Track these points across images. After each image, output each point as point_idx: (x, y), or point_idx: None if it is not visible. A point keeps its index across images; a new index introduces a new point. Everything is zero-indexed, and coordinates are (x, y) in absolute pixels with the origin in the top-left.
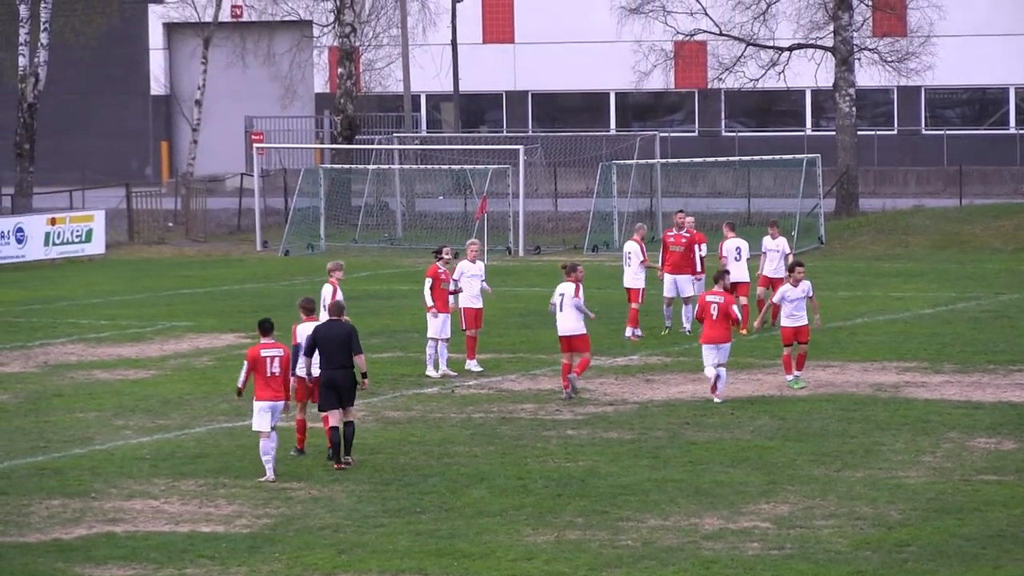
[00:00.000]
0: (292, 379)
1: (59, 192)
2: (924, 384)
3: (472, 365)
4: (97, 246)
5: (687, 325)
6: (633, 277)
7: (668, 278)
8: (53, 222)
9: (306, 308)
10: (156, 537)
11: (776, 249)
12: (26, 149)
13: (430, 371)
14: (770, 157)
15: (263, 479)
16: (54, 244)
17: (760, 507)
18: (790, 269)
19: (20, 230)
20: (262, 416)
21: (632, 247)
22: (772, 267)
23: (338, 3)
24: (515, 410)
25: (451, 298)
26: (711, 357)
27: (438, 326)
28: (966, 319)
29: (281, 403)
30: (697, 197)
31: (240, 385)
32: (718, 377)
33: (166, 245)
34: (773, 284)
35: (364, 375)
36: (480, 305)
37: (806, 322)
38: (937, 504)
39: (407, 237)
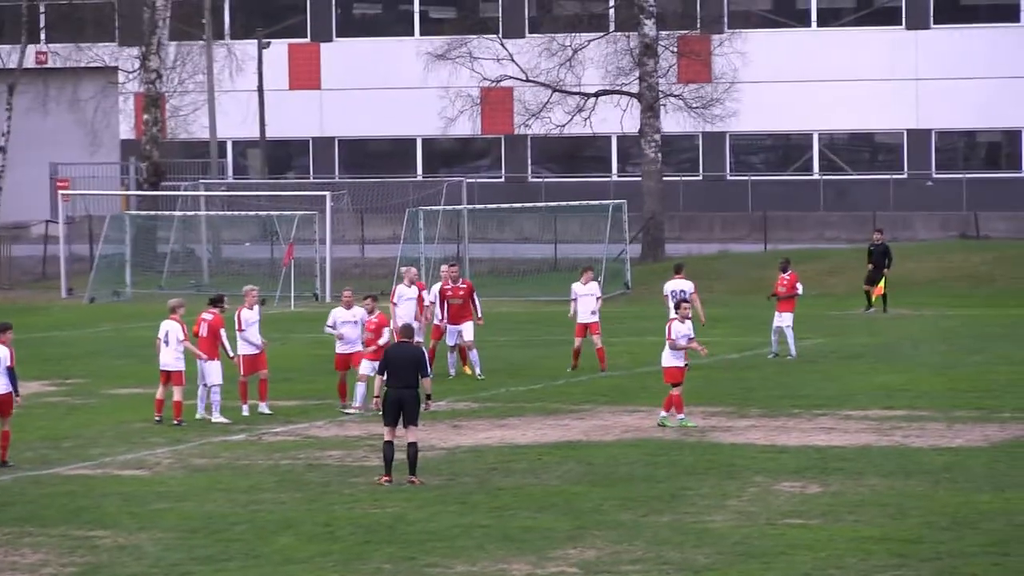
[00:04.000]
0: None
1: None
2: (730, 428)
3: (263, 407)
4: None
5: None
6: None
7: (451, 328)
8: None
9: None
10: None
11: (589, 293)
12: None
13: (203, 414)
14: (577, 203)
15: None
16: None
17: (568, 552)
18: (676, 305)
19: None
20: None
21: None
22: (586, 312)
23: (143, 49)
24: (322, 456)
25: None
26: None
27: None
28: (771, 364)
29: None
30: (504, 242)
31: None
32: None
33: None
34: (589, 328)
35: (428, 397)
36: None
37: (683, 364)
38: (743, 548)
39: (213, 283)
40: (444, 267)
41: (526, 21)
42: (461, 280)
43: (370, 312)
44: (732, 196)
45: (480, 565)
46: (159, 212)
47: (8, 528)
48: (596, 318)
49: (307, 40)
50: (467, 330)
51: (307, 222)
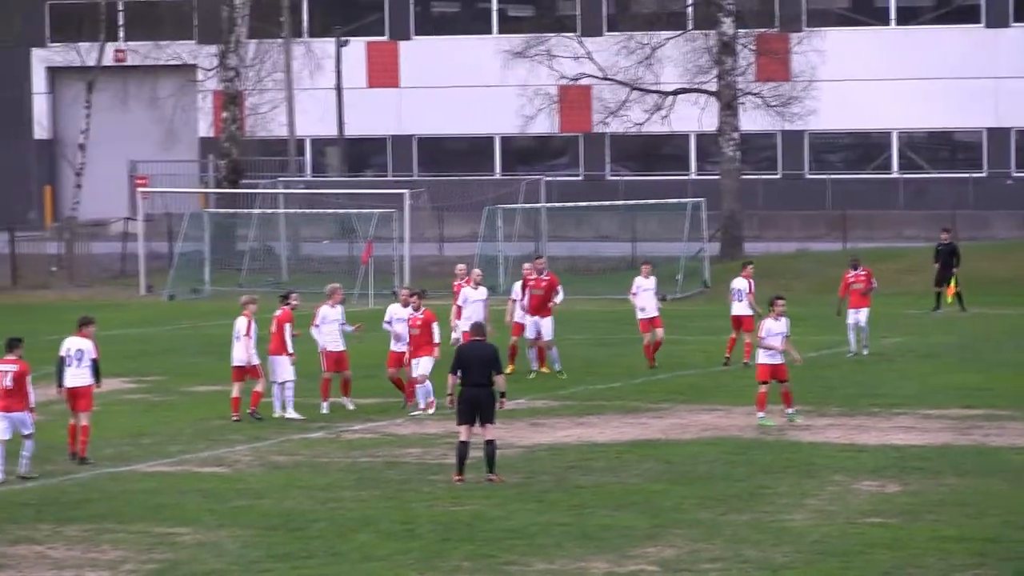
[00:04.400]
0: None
1: None
2: (809, 427)
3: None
4: None
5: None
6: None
7: (531, 320)
8: None
9: None
10: None
11: (651, 288)
12: None
13: (280, 412)
14: (655, 201)
15: None
16: None
17: (646, 550)
18: (770, 303)
19: None
20: None
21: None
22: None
23: (222, 47)
24: (401, 454)
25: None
26: None
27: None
28: (849, 362)
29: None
30: (582, 241)
31: None
32: None
33: (49, 290)
34: (653, 322)
35: (503, 394)
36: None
37: (783, 361)
38: (822, 547)
39: (292, 281)
40: (527, 265)
41: (604, 19)
42: (546, 273)
43: (416, 309)
44: (810, 194)
45: (559, 563)
46: (238, 210)
47: (88, 525)
48: (658, 312)
49: (385, 38)
50: (546, 329)
51: (385, 220)
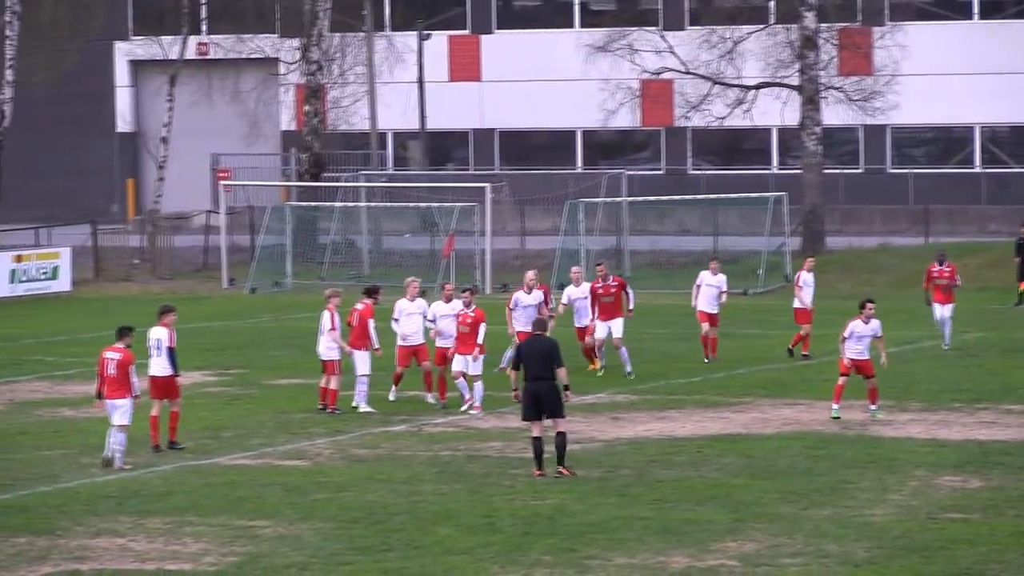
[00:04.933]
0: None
1: (25, 229)
2: (890, 422)
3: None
4: (63, 283)
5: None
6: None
7: (602, 325)
8: (19, 259)
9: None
10: (122, 575)
11: (717, 285)
12: None
13: (365, 407)
14: (737, 195)
15: None
16: (20, 281)
17: (727, 545)
18: (861, 306)
19: None
20: None
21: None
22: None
23: (304, 41)
24: (482, 448)
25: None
26: None
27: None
28: (931, 357)
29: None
30: (664, 235)
31: None
32: None
33: (132, 282)
34: (711, 319)
35: (567, 387)
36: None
37: (868, 357)
38: (903, 542)
39: (374, 275)
40: (575, 269)
41: (686, 13)
42: (612, 277)
43: (467, 305)
44: (892, 189)
45: (640, 557)
46: (320, 203)
47: (169, 517)
48: (717, 310)
49: (467, 32)
50: (616, 327)
51: (467, 214)
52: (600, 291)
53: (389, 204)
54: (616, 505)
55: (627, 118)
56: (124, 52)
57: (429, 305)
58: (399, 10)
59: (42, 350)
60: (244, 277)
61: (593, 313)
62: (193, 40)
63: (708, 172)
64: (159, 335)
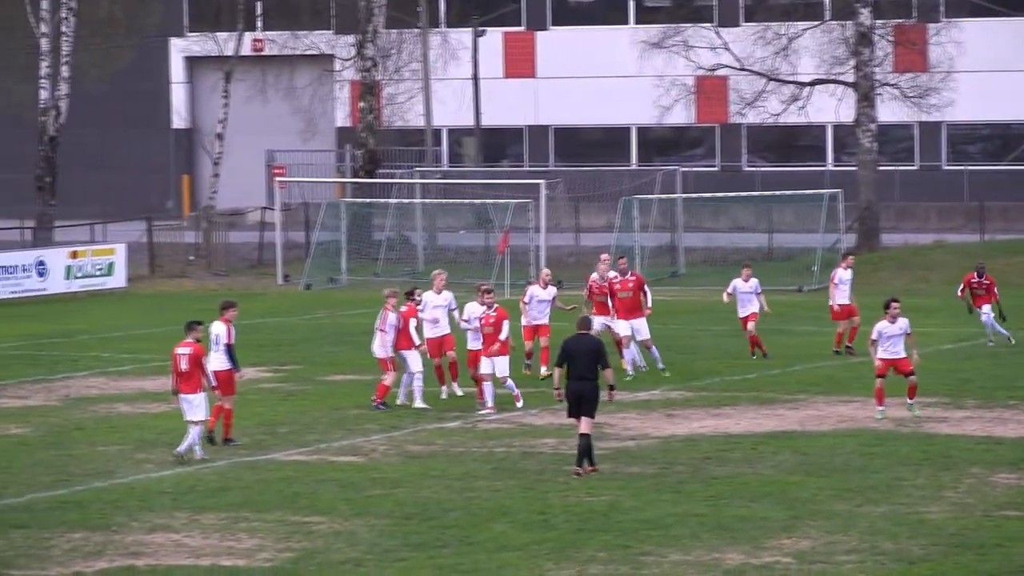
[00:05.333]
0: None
1: (80, 225)
2: (946, 419)
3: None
4: (118, 279)
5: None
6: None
7: (623, 323)
8: (75, 255)
9: None
10: (177, 571)
11: (750, 290)
12: (47, 183)
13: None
14: (791, 192)
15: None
16: (75, 277)
17: (782, 542)
18: (885, 306)
19: (41, 263)
20: None
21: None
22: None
23: (359, 37)
24: (537, 444)
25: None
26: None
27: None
28: (987, 355)
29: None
30: (719, 232)
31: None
32: None
33: (187, 279)
34: (748, 319)
35: (611, 387)
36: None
37: (904, 355)
38: (959, 539)
39: (428, 271)
40: (621, 260)
41: (741, 10)
42: (631, 272)
43: (488, 306)
44: (948, 186)
45: (694, 554)
46: (374, 199)
47: (224, 513)
48: (755, 307)
49: (522, 28)
50: (642, 329)
51: (521, 210)
52: (618, 286)
53: (444, 200)
54: (671, 502)
55: (682, 115)
56: (180, 48)
57: (467, 310)
58: (454, 7)
59: (97, 346)
60: (299, 273)
61: (611, 307)
62: (248, 36)
63: (763, 169)
64: (218, 331)
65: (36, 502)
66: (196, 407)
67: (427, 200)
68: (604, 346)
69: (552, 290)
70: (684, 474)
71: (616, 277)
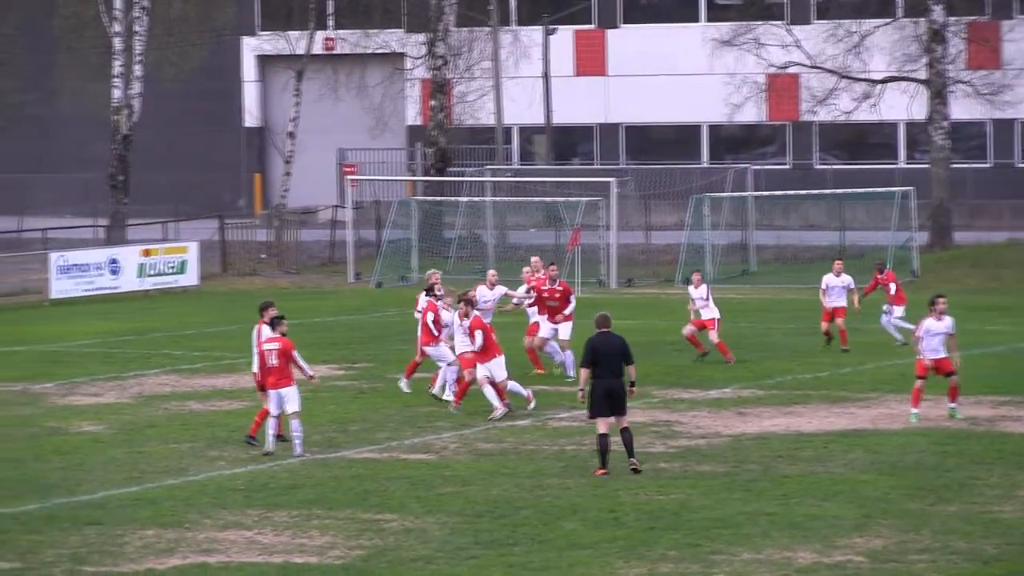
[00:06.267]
0: None
1: (153, 224)
2: (1019, 418)
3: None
4: (190, 277)
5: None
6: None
7: (547, 325)
8: (147, 253)
9: None
10: (249, 568)
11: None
12: (120, 181)
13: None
14: (863, 190)
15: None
16: (148, 275)
17: (854, 541)
18: (931, 302)
19: (114, 261)
20: None
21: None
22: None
23: (430, 36)
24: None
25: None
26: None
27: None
28: None
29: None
30: (790, 230)
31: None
32: None
33: (259, 277)
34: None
35: (632, 384)
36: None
37: (944, 354)
38: None
39: (499, 269)
40: (527, 269)
41: (812, 7)
42: (558, 282)
43: (553, 281)
44: (1021, 184)
45: (765, 553)
46: (445, 197)
47: (296, 510)
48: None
49: (593, 26)
50: (564, 331)
51: (592, 208)
52: (546, 293)
53: (514, 199)
54: (741, 500)
55: (753, 112)
56: (252, 47)
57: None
58: (525, 5)
59: (170, 344)
60: (370, 271)
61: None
62: (320, 35)
63: (834, 167)
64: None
65: (109, 499)
66: (290, 399)
67: (497, 198)
68: (627, 343)
69: (500, 289)
70: (755, 472)
71: (541, 277)
